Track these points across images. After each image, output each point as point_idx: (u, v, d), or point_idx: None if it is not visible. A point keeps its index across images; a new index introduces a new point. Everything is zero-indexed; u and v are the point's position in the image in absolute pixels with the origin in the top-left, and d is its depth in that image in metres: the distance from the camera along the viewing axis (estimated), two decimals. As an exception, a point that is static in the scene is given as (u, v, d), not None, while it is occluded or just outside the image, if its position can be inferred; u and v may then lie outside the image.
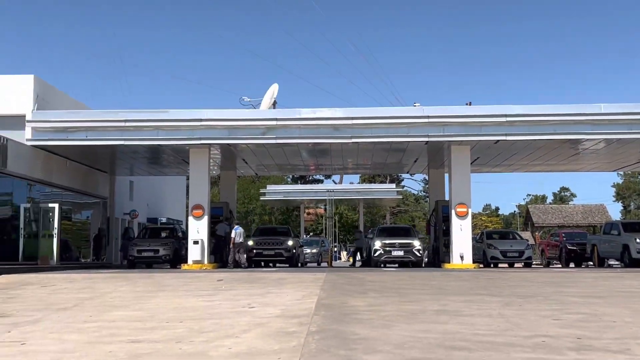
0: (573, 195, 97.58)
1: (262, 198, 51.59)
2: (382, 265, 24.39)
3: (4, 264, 18.40)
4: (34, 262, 21.56)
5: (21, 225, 21.63)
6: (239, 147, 23.92)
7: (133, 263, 24.82)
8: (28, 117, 22.15)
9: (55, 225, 22.32)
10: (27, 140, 22.10)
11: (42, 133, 22.31)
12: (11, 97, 22.34)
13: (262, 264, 26.55)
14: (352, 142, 22.65)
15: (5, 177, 20.81)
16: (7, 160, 20.46)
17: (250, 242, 25.81)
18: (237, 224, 25.53)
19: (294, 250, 25.54)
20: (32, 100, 22.29)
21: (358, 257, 29.66)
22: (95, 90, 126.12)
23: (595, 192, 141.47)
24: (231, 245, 23.81)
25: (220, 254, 24.65)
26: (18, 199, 21.85)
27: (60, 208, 22.76)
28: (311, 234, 62.89)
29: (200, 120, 22.21)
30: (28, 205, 22.16)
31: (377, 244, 24.39)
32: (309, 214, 68.07)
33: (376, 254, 24.23)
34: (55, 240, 22.27)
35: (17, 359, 6.71)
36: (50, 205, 22.70)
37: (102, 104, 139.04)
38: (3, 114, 22.32)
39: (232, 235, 23.92)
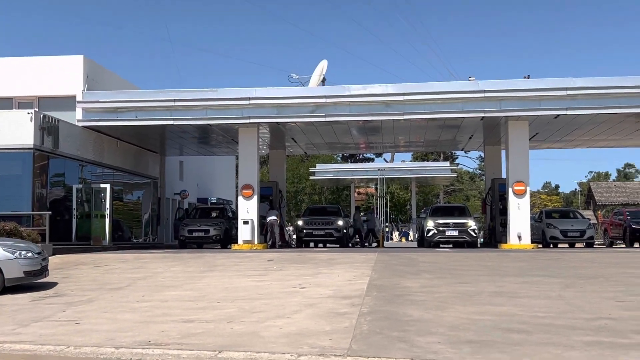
0: (638, 172, 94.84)
1: (311, 177, 51.77)
2: (435, 245, 24.23)
3: (58, 244, 19.02)
4: (86, 242, 22.22)
5: (74, 206, 22.24)
6: (287, 125, 24.01)
7: (184, 243, 25.30)
8: (78, 98, 22.69)
9: (107, 205, 22.88)
10: (78, 121, 22.66)
11: (92, 114, 22.84)
12: (61, 78, 22.91)
13: (312, 244, 26.71)
14: (404, 119, 22.44)
15: (58, 158, 21.43)
16: (59, 141, 21.05)
17: (300, 222, 25.96)
18: (269, 208, 25.71)
19: (345, 230, 25.58)
20: (82, 81, 22.82)
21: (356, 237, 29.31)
22: (144, 69, 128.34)
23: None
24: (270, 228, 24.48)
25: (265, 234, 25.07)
26: (70, 180, 22.46)
27: (111, 188, 23.31)
28: (362, 213, 62.86)
29: (249, 98, 22.36)
30: (80, 185, 22.74)
31: (430, 223, 24.19)
32: (359, 193, 67.98)
33: (429, 234, 24.06)
34: (107, 220, 22.85)
35: (72, 337, 6.96)
36: (102, 185, 23.27)
37: (150, 84, 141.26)
38: (54, 95, 22.94)
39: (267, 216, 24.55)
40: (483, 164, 40.77)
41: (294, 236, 28.99)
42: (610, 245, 30.08)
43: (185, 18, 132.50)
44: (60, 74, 22.98)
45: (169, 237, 31.61)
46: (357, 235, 29.09)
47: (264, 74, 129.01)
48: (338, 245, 25.30)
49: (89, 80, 23.06)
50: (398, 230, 60.87)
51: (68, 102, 22.67)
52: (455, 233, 23.89)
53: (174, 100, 22.57)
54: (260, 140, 24.46)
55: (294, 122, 23.31)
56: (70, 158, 22.14)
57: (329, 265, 13.63)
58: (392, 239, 54.83)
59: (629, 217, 28.51)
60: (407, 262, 14.63)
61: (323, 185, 61.34)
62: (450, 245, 24.49)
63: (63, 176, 22.27)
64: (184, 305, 8.88)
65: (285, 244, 28.07)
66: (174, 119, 22.72)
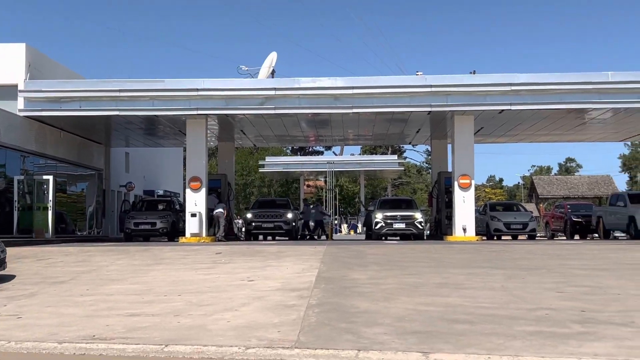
0: (579, 166, 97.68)
1: (260, 170, 51.62)
2: (383, 237, 24.49)
3: (-2, 237, 18.47)
4: (28, 235, 21.63)
5: (15, 198, 21.63)
6: (236, 117, 23.85)
7: (130, 236, 24.90)
8: (20, 87, 22.04)
9: (50, 197, 22.34)
10: (20, 110, 22.02)
11: (35, 103, 22.22)
12: (2, 67, 22.20)
13: (261, 236, 26.64)
14: (353, 113, 22.56)
15: (-2, 149, 20.81)
16: (-1, 132, 20.42)
17: (249, 215, 25.86)
18: (218, 201, 25.50)
19: (294, 223, 25.59)
20: (24, 70, 22.16)
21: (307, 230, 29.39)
22: (90, 59, 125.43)
23: (602, 163, 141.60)
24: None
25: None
26: (11, 171, 21.83)
27: (54, 180, 22.76)
28: (311, 206, 63.02)
29: (197, 90, 22.12)
30: (22, 177, 22.14)
31: (379, 216, 24.45)
32: (308, 186, 68.10)
33: (377, 227, 24.31)
34: (50, 212, 22.31)
35: (13, 332, 6.77)
36: (45, 177, 22.69)
37: (97, 74, 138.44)
38: (-6, 84, 22.23)
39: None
40: (430, 157, 41.34)
41: (243, 229, 28.86)
42: (552, 237, 30.94)
43: (133, 8, 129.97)
44: (1, 62, 22.26)
45: (114, 230, 31.07)
46: (306, 229, 29.11)
47: (213, 65, 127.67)
48: (287, 238, 25.31)
49: (32, 69, 22.42)
50: (347, 223, 61.25)
51: (9, 91, 21.98)
52: (403, 225, 24.20)
53: (120, 91, 22.16)
54: (208, 132, 24.23)
55: (243, 114, 23.17)
56: (12, 149, 21.50)
57: (278, 258, 13.62)
58: (340, 231, 55.15)
59: (569, 210, 29.41)
60: (356, 254, 14.74)
61: (272, 178, 61.23)
62: (398, 238, 24.80)
63: (4, 167, 21.63)
64: (129, 299, 8.74)
65: (234, 237, 27.92)
66: (119, 110, 22.32)
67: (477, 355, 5.13)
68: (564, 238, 29.22)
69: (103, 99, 22.27)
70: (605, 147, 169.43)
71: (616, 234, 26.90)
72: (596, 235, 27.27)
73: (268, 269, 11.65)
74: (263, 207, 26.67)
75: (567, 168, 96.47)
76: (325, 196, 56.28)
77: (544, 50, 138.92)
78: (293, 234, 25.51)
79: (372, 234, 24.98)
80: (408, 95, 22.09)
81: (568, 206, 30.36)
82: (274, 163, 49.21)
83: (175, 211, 26.14)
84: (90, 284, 10.42)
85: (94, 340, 6.21)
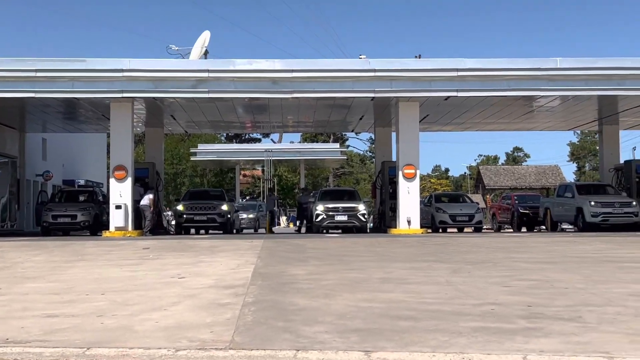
0: (527, 155, 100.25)
1: (192, 158, 51.12)
2: (324, 230, 24.62)
3: None
4: None
5: None
6: (166, 101, 23.52)
7: (48, 230, 24.32)
8: None
9: (-43, 187, 21.61)
10: None
11: (-62, 84, 21.38)
12: None
13: (193, 230, 26.41)
14: (293, 98, 22.56)
15: None
16: None
17: (180, 207, 25.59)
18: (143, 191, 25.08)
19: (229, 216, 25.44)
20: None
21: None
22: (3, 37, 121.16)
23: (550, 152, 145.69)
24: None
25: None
26: None
27: (-38, 169, 22.01)
28: (247, 197, 62.79)
29: (122, 70, 21.67)
30: None
31: (320, 208, 24.56)
32: (245, 175, 67.77)
33: (318, 219, 24.42)
34: (-43, 204, 21.59)
35: None
36: (-49, 165, 21.93)
37: (11, 53, 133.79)
38: None
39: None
40: (373, 146, 41.79)
41: (173, 222, 28.54)
42: (499, 229, 31.74)
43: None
44: None
45: (30, 223, 30.29)
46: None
47: (141, 45, 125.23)
48: (222, 232, 25.16)
49: None
50: (286, 215, 61.30)
51: None
52: (345, 218, 24.38)
53: (36, 70, 21.51)
54: (135, 116, 23.81)
55: (173, 98, 22.87)
56: None
57: (211, 253, 13.53)
58: (279, 224, 55.18)
59: (516, 202, 30.22)
60: (295, 248, 14.79)
61: (205, 167, 60.66)
62: (340, 231, 24.97)
63: None
64: (47, 298, 8.53)
65: (164, 231, 27.58)
66: (35, 92, 21.68)
67: (421, 353, 5.22)
68: (511, 230, 30.01)
69: (17, 79, 21.58)
70: (554, 136, 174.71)
71: (564, 226, 27.80)
72: (543, 227, 28.10)
73: (200, 265, 11.56)
74: (195, 198, 26.42)
75: (515, 158, 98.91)
76: (263, 187, 56.19)
77: (492, 36, 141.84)
78: (228, 227, 25.37)
79: (313, 227, 25.09)
80: (351, 80, 22.22)
81: (515, 197, 31.19)
82: (207, 151, 48.76)
83: (98, 203, 25.65)
84: (3, 282, 10.12)
85: (8, 343, 6.04)
